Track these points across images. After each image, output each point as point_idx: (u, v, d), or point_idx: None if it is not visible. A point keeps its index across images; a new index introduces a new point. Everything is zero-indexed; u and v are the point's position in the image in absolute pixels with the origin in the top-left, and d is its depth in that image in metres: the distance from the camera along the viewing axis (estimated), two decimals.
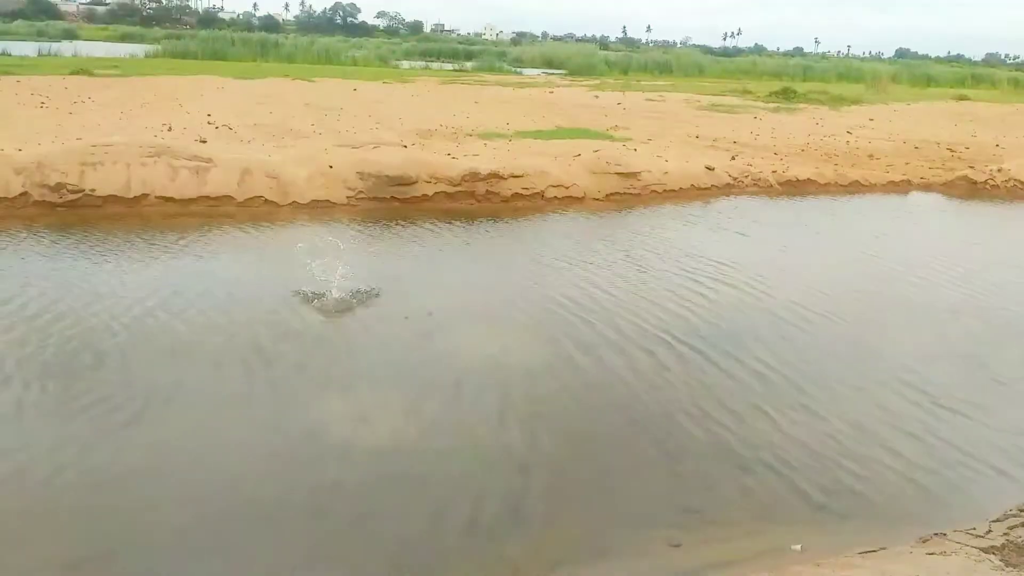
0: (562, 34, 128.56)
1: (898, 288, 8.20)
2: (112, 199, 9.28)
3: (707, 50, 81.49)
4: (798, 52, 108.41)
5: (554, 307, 6.85)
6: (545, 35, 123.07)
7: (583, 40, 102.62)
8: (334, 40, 49.53)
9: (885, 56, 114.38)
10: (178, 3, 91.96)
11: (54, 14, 72.78)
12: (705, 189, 12.48)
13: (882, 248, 9.90)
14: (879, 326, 7.09)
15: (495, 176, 11.04)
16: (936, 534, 3.87)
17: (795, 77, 43.85)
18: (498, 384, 5.34)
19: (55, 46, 36.69)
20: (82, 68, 23.12)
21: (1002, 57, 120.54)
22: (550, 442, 4.66)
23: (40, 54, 31.02)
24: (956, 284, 8.44)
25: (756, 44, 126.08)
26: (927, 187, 14.26)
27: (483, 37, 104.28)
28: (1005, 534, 3.86)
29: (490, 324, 6.41)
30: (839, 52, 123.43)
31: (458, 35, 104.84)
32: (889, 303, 7.74)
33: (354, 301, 6.54)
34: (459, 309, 6.67)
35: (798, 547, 3.80)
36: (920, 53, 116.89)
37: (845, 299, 7.68)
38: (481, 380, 5.38)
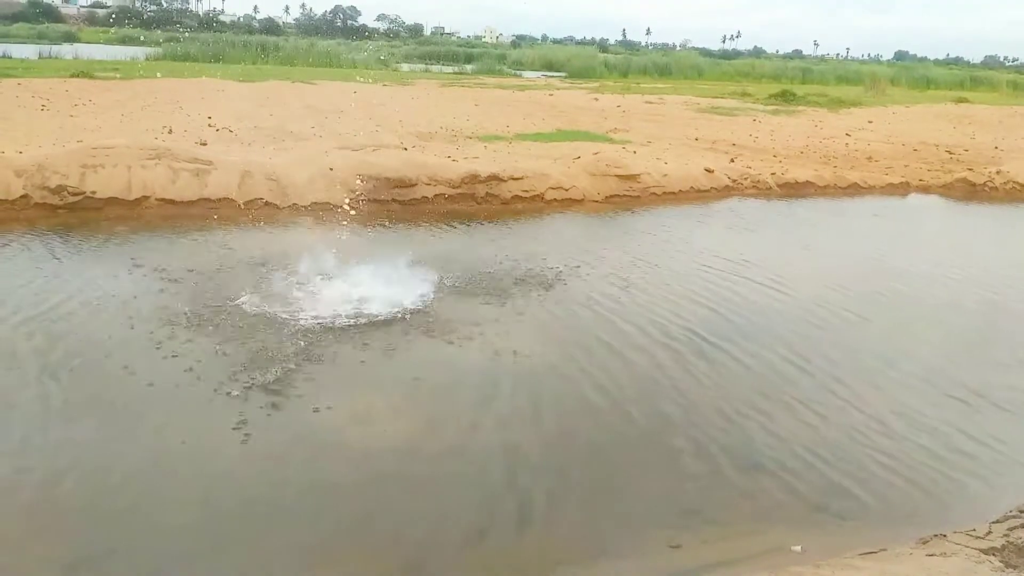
0: (562, 37, 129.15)
1: (916, 286, 8.27)
2: (113, 201, 9.29)
3: (706, 53, 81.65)
4: (797, 54, 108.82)
5: (558, 308, 6.87)
6: (545, 38, 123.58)
7: (583, 43, 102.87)
8: (334, 43, 49.64)
9: (884, 58, 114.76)
10: (178, 6, 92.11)
11: (55, 17, 72.90)
12: (704, 191, 12.50)
13: (896, 247, 9.96)
14: (899, 323, 7.15)
15: (495, 178, 11.06)
16: (936, 535, 3.88)
17: (794, 79, 44.05)
18: (497, 385, 5.34)
19: (56, 48, 36.75)
20: (83, 71, 23.18)
21: (1001, 59, 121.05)
22: (551, 442, 4.66)
23: (41, 57, 31.10)
24: (974, 283, 8.49)
25: (755, 47, 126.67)
26: (926, 189, 14.29)
27: (483, 40, 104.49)
28: (1005, 535, 3.87)
29: (496, 324, 6.41)
30: (838, 55, 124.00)
31: (458, 38, 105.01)
32: (908, 301, 7.81)
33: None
34: (469, 306, 6.67)
35: (798, 548, 3.81)
36: (919, 55, 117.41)
37: (865, 297, 7.77)
38: (479, 381, 5.39)
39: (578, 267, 8.13)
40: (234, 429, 4.52)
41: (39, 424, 4.50)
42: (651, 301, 7.18)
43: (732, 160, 14.22)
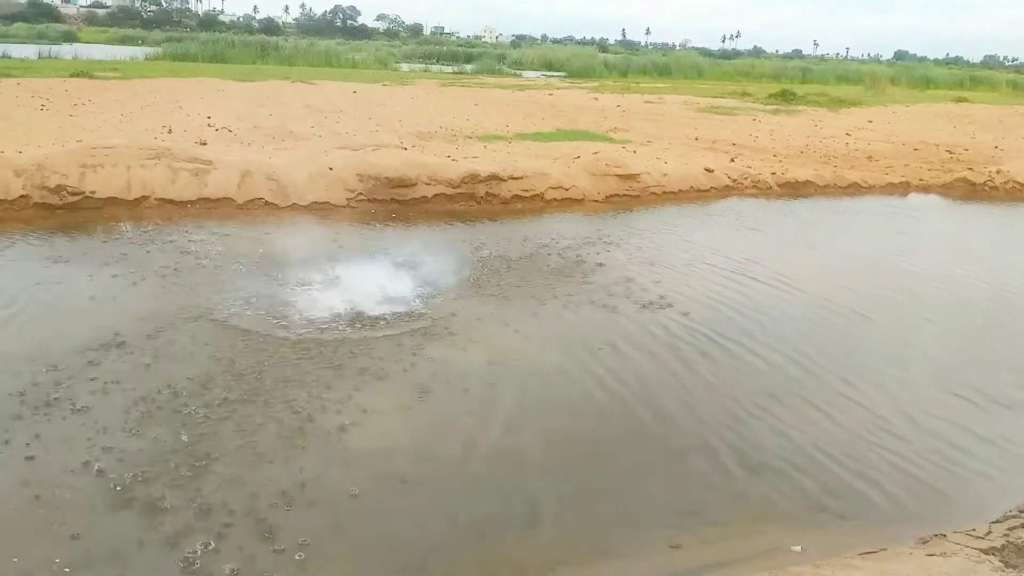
0: (561, 36, 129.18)
1: (927, 285, 8.33)
2: (112, 201, 9.29)
3: (706, 52, 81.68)
4: (797, 54, 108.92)
5: (561, 307, 6.86)
6: (544, 37, 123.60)
7: (582, 42, 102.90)
8: (334, 43, 49.69)
9: (884, 58, 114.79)
10: (178, 6, 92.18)
11: (54, 16, 72.88)
12: (704, 191, 12.50)
13: (902, 246, 10.00)
14: (909, 321, 7.18)
15: (495, 178, 11.06)
16: (936, 535, 3.88)
17: (794, 79, 44.06)
18: (497, 386, 5.34)
19: (55, 48, 36.74)
20: (82, 70, 23.17)
21: (1001, 59, 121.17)
22: (551, 443, 4.66)
23: (40, 56, 31.09)
24: (982, 281, 8.52)
25: (755, 46, 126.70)
26: (926, 189, 14.29)
27: (482, 39, 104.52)
28: (1005, 535, 3.87)
29: (499, 323, 6.41)
30: (838, 54, 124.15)
31: (457, 37, 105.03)
32: (918, 299, 7.85)
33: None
34: (477, 308, 6.67)
35: (798, 548, 3.81)
36: (919, 55, 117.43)
37: (874, 295, 7.81)
38: (480, 381, 5.39)
39: (580, 266, 8.13)
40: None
41: None
42: (656, 299, 7.19)
43: (732, 160, 14.22)
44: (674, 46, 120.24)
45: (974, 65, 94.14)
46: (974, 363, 6.29)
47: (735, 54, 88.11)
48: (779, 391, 5.51)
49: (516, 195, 11.06)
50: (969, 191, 14.11)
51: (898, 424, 5.14)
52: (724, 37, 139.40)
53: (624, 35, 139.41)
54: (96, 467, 4.07)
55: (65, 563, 3.40)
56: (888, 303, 7.67)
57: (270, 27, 79.71)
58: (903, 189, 14.14)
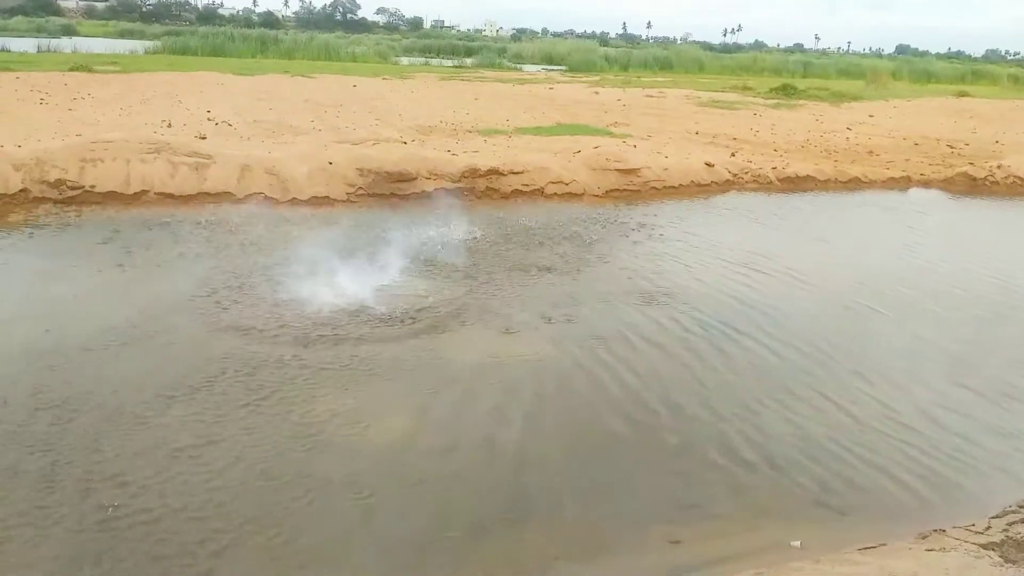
0: (562, 30, 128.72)
1: (930, 278, 8.36)
2: (111, 195, 9.28)
3: (707, 46, 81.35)
4: (798, 48, 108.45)
5: (560, 304, 6.86)
6: (545, 31, 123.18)
7: (583, 36, 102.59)
8: (333, 36, 49.52)
9: (885, 53, 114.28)
10: None
11: (53, 10, 72.59)
12: (705, 185, 12.48)
13: (908, 240, 9.99)
14: (913, 317, 7.17)
15: (495, 172, 11.04)
16: (935, 530, 3.88)
17: (795, 73, 43.92)
18: (498, 382, 5.34)
19: (54, 42, 36.56)
20: (82, 64, 23.08)
21: (1002, 53, 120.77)
22: (549, 438, 4.66)
23: (39, 50, 31.01)
24: (990, 275, 8.53)
25: (756, 40, 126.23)
26: (927, 183, 14.26)
27: (483, 33, 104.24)
28: (1004, 530, 3.88)
29: (501, 319, 6.41)
30: (839, 49, 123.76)
31: (458, 31, 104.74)
32: (925, 293, 7.85)
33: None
34: (483, 305, 6.67)
35: (797, 543, 3.81)
36: (920, 50, 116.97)
37: (885, 290, 7.82)
38: (479, 379, 5.38)
39: (581, 261, 8.12)
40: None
41: None
42: (660, 293, 7.18)
43: (733, 154, 14.19)
44: (675, 40, 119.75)
45: (976, 59, 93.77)
46: (985, 356, 6.29)
47: (736, 48, 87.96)
48: (791, 384, 5.51)
49: (516, 189, 11.05)
50: (970, 186, 14.08)
51: (909, 417, 5.14)
52: (725, 31, 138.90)
53: (625, 29, 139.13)
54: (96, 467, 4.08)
55: None
56: (897, 296, 7.66)
57: (269, 21, 79.44)
58: (904, 184, 14.11)
